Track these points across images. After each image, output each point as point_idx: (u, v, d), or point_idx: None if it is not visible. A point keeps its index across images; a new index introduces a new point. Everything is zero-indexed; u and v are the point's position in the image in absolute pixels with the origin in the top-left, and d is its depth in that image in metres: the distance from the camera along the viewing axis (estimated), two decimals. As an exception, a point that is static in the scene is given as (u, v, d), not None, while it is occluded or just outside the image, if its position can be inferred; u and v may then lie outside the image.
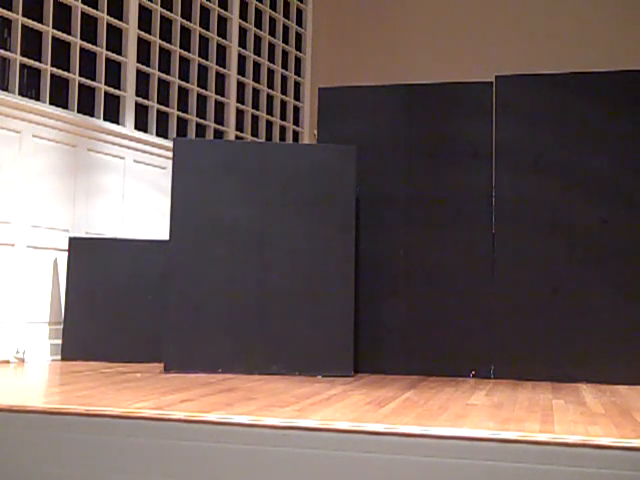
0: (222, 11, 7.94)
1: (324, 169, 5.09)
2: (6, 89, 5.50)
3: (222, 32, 7.97)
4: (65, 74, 5.98)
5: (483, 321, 5.08)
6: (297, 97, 9.31)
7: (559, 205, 5.06)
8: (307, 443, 2.98)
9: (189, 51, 7.47)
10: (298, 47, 9.31)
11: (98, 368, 5.06)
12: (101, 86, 6.34)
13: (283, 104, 9.02)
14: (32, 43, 5.76)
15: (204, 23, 7.70)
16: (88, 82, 6.22)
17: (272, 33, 8.82)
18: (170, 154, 5.65)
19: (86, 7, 6.20)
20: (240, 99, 8.25)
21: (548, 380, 4.84)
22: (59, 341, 5.59)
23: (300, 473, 2.96)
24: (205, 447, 3.06)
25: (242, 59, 8.28)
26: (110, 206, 6.29)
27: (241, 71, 8.25)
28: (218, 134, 7.90)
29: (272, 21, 8.83)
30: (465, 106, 5.30)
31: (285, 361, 4.91)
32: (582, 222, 5.02)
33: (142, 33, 6.81)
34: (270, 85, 8.78)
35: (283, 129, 9.02)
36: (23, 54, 5.63)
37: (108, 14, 6.42)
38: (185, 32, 7.43)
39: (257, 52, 8.54)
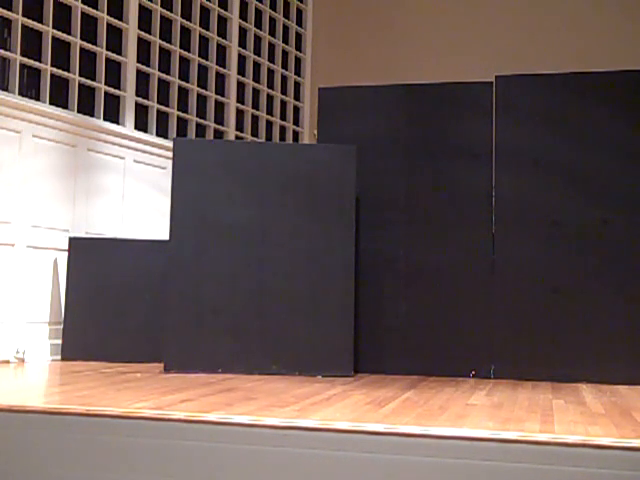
0: (222, 11, 7.94)
1: (324, 169, 5.09)
2: (6, 89, 5.50)
3: (222, 32, 7.97)
4: (65, 74, 5.98)
5: (483, 321, 5.08)
6: (297, 97, 9.31)
7: (559, 205, 5.06)
8: (307, 443, 2.98)
9: (189, 51, 7.47)
10: (298, 47, 9.31)
11: (98, 368, 5.06)
12: (101, 86, 6.34)
13: (283, 104, 9.02)
14: (32, 43, 5.75)
15: (204, 23, 7.70)
16: (88, 82, 6.22)
17: (272, 33, 8.82)
18: (170, 154, 5.65)
19: (86, 7, 6.20)
20: (240, 99, 8.25)
21: (548, 380, 4.84)
22: (59, 341, 5.59)
23: (300, 473, 2.96)
24: (205, 447, 3.06)
25: (242, 59, 8.28)
26: (110, 206, 6.29)
27: (241, 71, 8.25)
28: (218, 134, 7.90)
29: (272, 21, 8.83)
30: (465, 106, 5.30)
31: (285, 361, 4.91)
32: (582, 222, 5.02)
33: (142, 33, 6.81)
34: (270, 85, 8.78)
35: (283, 129, 9.02)
36: (23, 54, 5.63)
37: (108, 14, 6.42)
38: (185, 32, 7.43)
39: (257, 52, 8.54)
